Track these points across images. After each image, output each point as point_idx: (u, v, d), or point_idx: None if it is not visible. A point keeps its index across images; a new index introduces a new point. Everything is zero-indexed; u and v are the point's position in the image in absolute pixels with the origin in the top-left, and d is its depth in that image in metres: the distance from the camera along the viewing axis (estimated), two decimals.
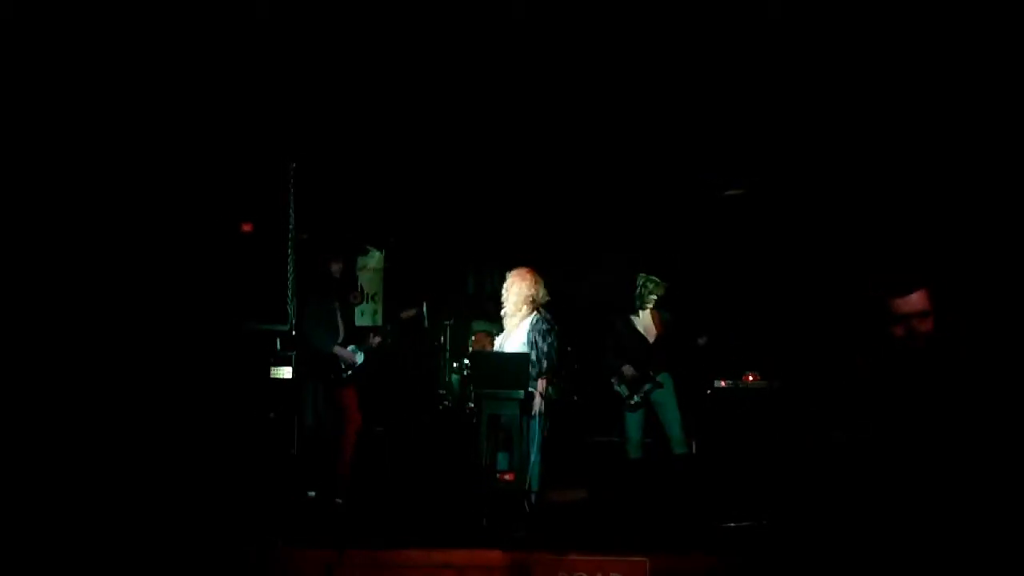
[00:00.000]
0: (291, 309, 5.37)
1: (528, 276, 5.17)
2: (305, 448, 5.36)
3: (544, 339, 5.04)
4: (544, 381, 5.03)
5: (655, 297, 5.53)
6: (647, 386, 5.44)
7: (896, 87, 5.03)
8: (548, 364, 5.02)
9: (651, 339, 5.54)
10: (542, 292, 5.14)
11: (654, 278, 5.56)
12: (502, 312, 5.26)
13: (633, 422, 5.46)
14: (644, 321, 5.58)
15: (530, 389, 4.95)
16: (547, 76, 5.72)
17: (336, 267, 5.40)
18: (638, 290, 5.56)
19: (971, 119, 4.66)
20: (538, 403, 4.98)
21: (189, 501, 4.63)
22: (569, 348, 5.96)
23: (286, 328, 5.36)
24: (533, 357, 4.98)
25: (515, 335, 5.18)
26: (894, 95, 5.06)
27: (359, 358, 5.31)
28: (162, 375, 5.01)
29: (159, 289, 5.07)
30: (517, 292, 5.13)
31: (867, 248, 5.29)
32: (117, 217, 5.00)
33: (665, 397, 5.44)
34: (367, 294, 7.95)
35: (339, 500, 5.10)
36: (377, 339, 5.50)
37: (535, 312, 5.12)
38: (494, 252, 7.63)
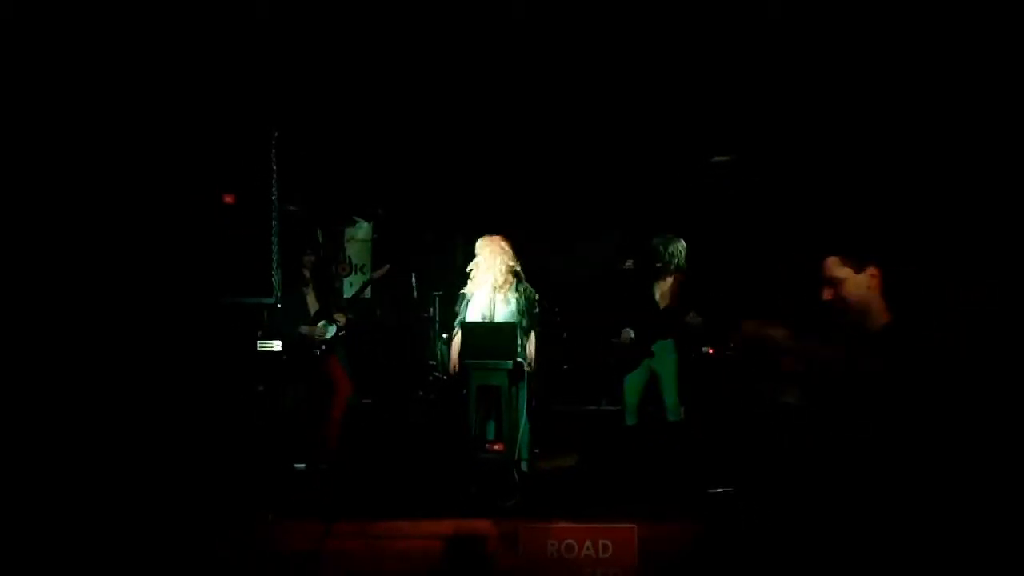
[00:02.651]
0: (276, 282, 5.31)
1: (507, 245, 5.25)
2: (291, 420, 5.36)
3: (535, 307, 5.22)
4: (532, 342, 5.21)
5: (679, 262, 5.19)
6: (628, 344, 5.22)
7: (881, 76, 4.97)
8: (533, 327, 5.21)
9: (662, 306, 5.24)
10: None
11: (679, 242, 5.20)
12: (471, 280, 5.27)
13: (631, 388, 5.24)
14: (662, 287, 5.27)
15: (519, 359, 4.98)
16: (535, 45, 5.62)
17: (308, 260, 5.55)
18: (666, 253, 5.19)
19: (957, 112, 4.59)
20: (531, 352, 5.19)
21: (178, 476, 4.61)
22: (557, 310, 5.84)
23: (271, 301, 5.31)
24: (524, 324, 5.10)
25: (501, 305, 5.20)
26: (882, 82, 4.99)
27: (329, 331, 5.39)
28: (144, 350, 4.96)
29: (138, 263, 5.00)
30: (503, 262, 5.18)
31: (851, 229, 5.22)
32: (93, 188, 4.91)
33: (664, 365, 5.19)
34: (355, 265, 7.92)
35: (324, 466, 5.14)
36: (342, 320, 5.53)
37: (517, 281, 5.21)
38: (484, 222, 7.58)
